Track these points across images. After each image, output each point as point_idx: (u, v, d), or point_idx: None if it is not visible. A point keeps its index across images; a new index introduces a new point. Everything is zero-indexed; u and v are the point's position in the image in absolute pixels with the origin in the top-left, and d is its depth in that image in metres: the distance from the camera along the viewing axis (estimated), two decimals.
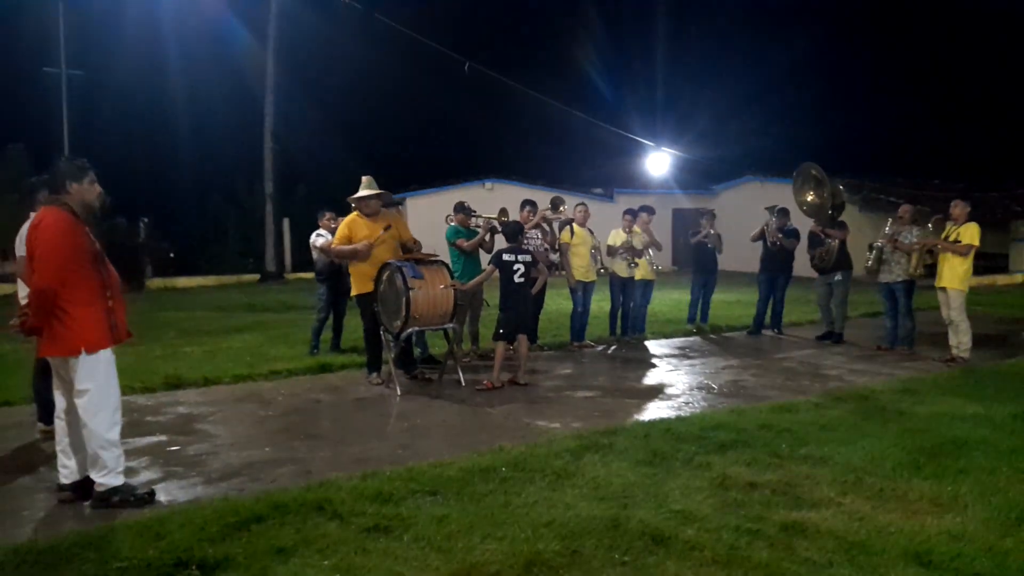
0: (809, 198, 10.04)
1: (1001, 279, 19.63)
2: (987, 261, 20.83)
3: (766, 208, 10.48)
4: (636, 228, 9.55)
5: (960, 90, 31.43)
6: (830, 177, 10.05)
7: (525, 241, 8.23)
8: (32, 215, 5.01)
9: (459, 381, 6.99)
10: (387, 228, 6.91)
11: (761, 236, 10.24)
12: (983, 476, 4.34)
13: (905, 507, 3.91)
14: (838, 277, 9.52)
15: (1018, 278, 20.01)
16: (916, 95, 31.13)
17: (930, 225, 8.92)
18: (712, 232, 10.54)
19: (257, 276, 22.62)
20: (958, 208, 8.16)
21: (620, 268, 9.45)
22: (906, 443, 4.94)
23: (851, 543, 3.44)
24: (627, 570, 3.18)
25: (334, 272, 8.47)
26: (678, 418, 5.72)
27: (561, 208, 9.33)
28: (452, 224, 8.42)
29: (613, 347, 9.39)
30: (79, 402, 3.97)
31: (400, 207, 19.95)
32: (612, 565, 3.22)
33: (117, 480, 4.00)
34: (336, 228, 8.47)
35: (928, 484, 4.21)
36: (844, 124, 30.11)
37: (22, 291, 5.07)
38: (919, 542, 3.43)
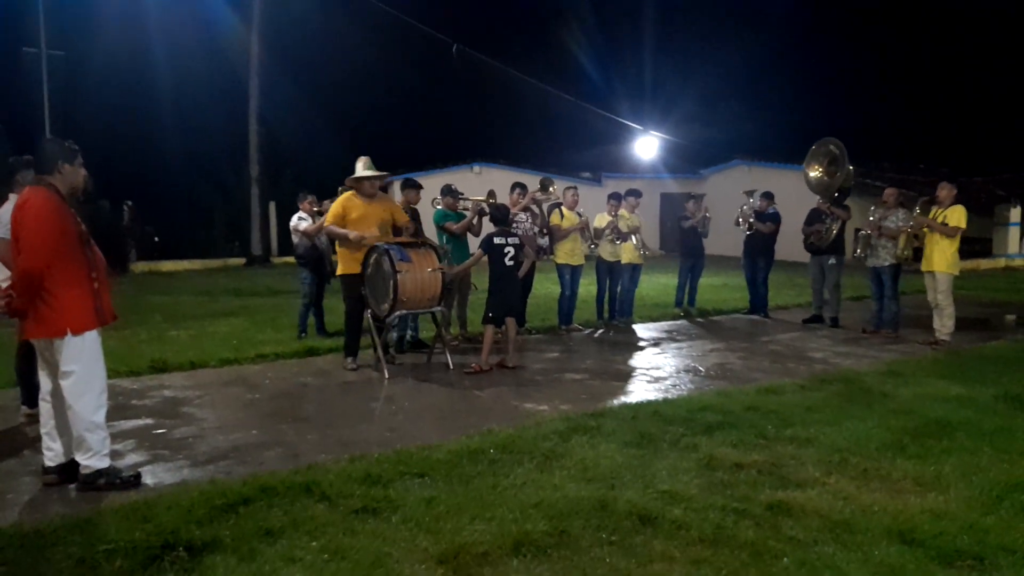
0: (819, 174, 9.76)
1: (984, 263, 19.82)
2: (971, 245, 21.03)
3: (744, 192, 10.57)
4: (623, 212, 9.54)
5: (946, 76, 31.52)
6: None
7: (514, 224, 8.25)
8: (12, 196, 4.96)
9: (447, 365, 6.99)
10: (383, 235, 6.89)
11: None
12: (966, 456, 4.39)
13: (889, 487, 3.95)
14: (832, 261, 9.53)
15: (1001, 262, 20.22)
16: (903, 81, 31.24)
17: (917, 208, 8.94)
18: (705, 216, 10.56)
19: (243, 260, 22.47)
20: (944, 190, 8.16)
21: (606, 252, 9.45)
22: (890, 424, 5.00)
23: (836, 522, 3.48)
24: (615, 550, 3.20)
25: (317, 256, 8.46)
26: (665, 400, 5.74)
27: (551, 189, 9.30)
28: (440, 207, 8.40)
29: (600, 331, 9.41)
30: (64, 384, 3.93)
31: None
32: (600, 545, 3.24)
33: (103, 462, 3.97)
34: (318, 212, 8.44)
35: (912, 464, 4.26)
36: (831, 110, 30.11)
37: (2, 274, 5.01)
38: (902, 520, 3.48)
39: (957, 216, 8.02)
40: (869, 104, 31.39)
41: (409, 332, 8.07)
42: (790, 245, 10.38)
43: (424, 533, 3.34)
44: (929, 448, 4.53)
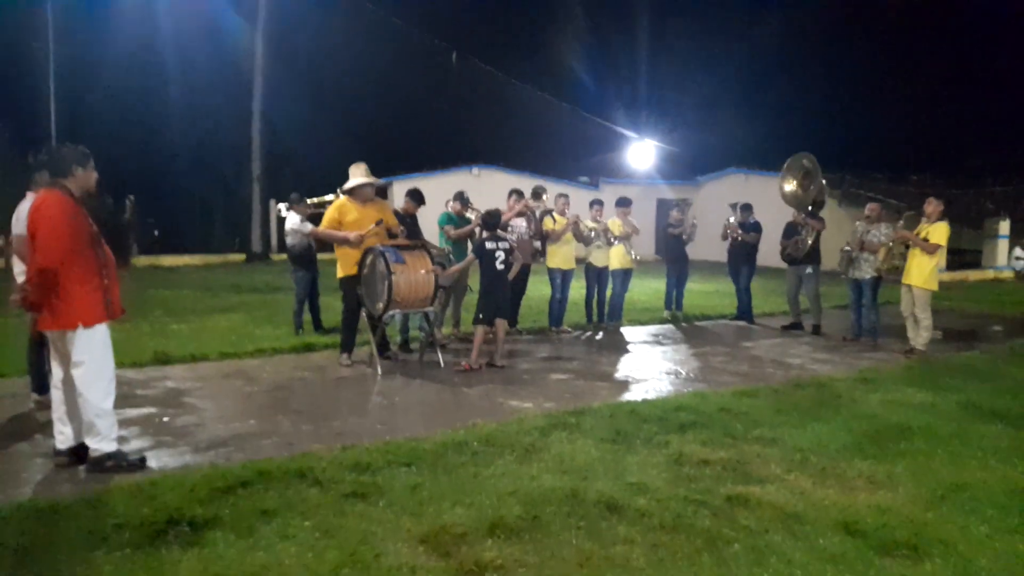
0: (794, 187, 10.08)
1: (973, 275, 20.12)
2: (961, 257, 21.36)
3: (729, 204, 10.95)
4: (615, 220, 9.85)
5: (939, 88, 31.88)
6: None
7: (510, 228, 8.63)
8: (28, 195, 5.25)
9: (438, 363, 7.28)
10: (378, 222, 7.12)
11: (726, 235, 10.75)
12: (919, 458, 4.69)
13: (843, 484, 4.24)
14: (808, 271, 9.84)
15: (990, 274, 20.52)
16: (897, 92, 31.55)
17: (901, 221, 9.22)
18: (692, 224, 10.92)
19: (243, 256, 22.75)
20: (931, 206, 8.36)
21: (595, 258, 9.75)
22: (853, 427, 5.29)
23: (788, 514, 3.77)
24: (581, 534, 3.49)
25: (312, 255, 8.81)
26: (643, 400, 6.03)
27: (543, 197, 9.64)
28: (447, 210, 8.75)
29: (589, 333, 9.70)
30: (75, 373, 4.22)
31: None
32: (568, 529, 3.53)
33: (111, 446, 4.26)
34: (315, 212, 8.77)
35: (867, 464, 4.55)
36: (826, 119, 30.46)
37: (17, 267, 5.30)
38: (849, 514, 3.76)
39: (939, 234, 8.23)
40: (864, 113, 31.69)
41: (411, 333, 8.35)
42: (767, 252, 10.74)
43: (408, 516, 3.63)
44: (886, 450, 4.82)
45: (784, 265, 10.28)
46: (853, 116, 31.35)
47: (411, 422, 5.40)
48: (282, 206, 9.17)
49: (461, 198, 8.80)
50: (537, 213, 9.48)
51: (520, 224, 9.09)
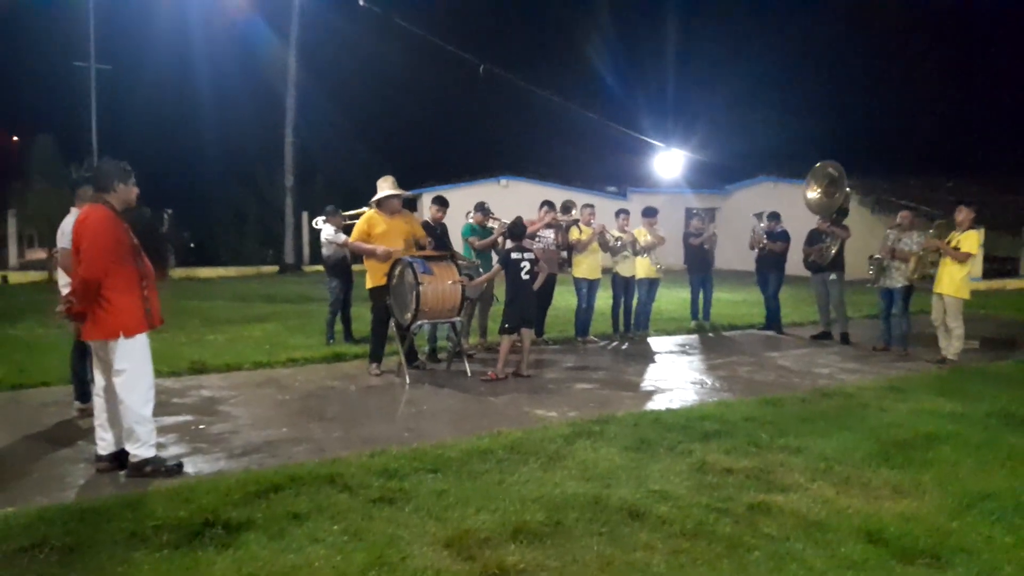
0: (817, 195, 10.04)
1: (1011, 283, 19.69)
2: (998, 265, 20.90)
3: (754, 214, 10.94)
4: (640, 229, 9.91)
5: (977, 91, 31.34)
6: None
7: (538, 239, 8.75)
8: (73, 209, 5.50)
9: (465, 372, 7.38)
10: (407, 247, 7.28)
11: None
12: (946, 467, 4.65)
13: (867, 493, 4.24)
14: (832, 277, 9.79)
15: None
16: (931, 97, 31.05)
17: (932, 230, 9.12)
18: (713, 233, 10.96)
19: (276, 267, 23.16)
20: (962, 214, 8.23)
21: (623, 267, 9.80)
22: (880, 436, 5.27)
23: (810, 522, 3.78)
24: (603, 539, 3.55)
25: (347, 265, 9.02)
26: (668, 409, 6.06)
27: (573, 211, 9.75)
28: (469, 222, 8.90)
29: (615, 343, 9.74)
30: (116, 381, 4.40)
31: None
32: (590, 535, 3.60)
33: (150, 452, 4.43)
34: (348, 223, 8.97)
35: (893, 473, 4.54)
36: (859, 125, 30.13)
37: (62, 280, 5.54)
38: (872, 522, 3.77)
39: (970, 242, 8.13)
40: (897, 118, 31.21)
41: (440, 342, 8.48)
42: (793, 261, 10.71)
43: (433, 520, 3.73)
44: (913, 459, 4.79)
45: (809, 274, 10.22)
46: (886, 122, 30.92)
47: (438, 430, 5.50)
48: (319, 219, 9.39)
49: (482, 208, 8.96)
50: (564, 224, 9.57)
51: (547, 234, 9.20)
